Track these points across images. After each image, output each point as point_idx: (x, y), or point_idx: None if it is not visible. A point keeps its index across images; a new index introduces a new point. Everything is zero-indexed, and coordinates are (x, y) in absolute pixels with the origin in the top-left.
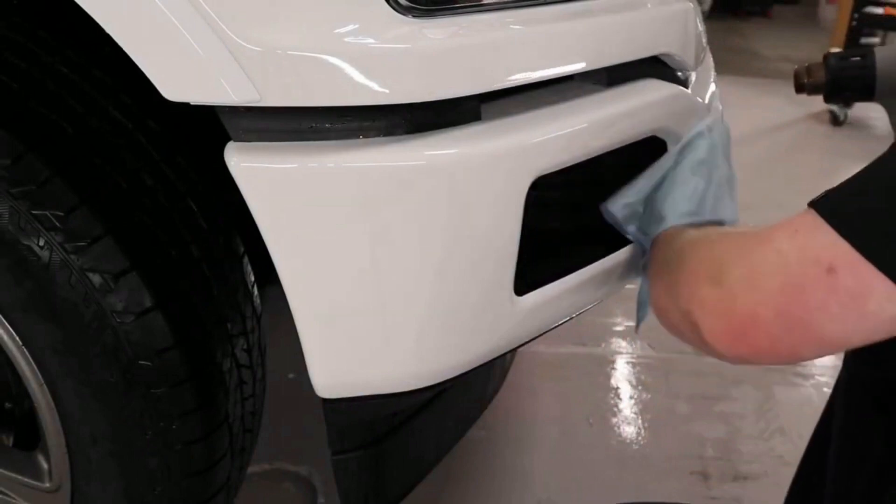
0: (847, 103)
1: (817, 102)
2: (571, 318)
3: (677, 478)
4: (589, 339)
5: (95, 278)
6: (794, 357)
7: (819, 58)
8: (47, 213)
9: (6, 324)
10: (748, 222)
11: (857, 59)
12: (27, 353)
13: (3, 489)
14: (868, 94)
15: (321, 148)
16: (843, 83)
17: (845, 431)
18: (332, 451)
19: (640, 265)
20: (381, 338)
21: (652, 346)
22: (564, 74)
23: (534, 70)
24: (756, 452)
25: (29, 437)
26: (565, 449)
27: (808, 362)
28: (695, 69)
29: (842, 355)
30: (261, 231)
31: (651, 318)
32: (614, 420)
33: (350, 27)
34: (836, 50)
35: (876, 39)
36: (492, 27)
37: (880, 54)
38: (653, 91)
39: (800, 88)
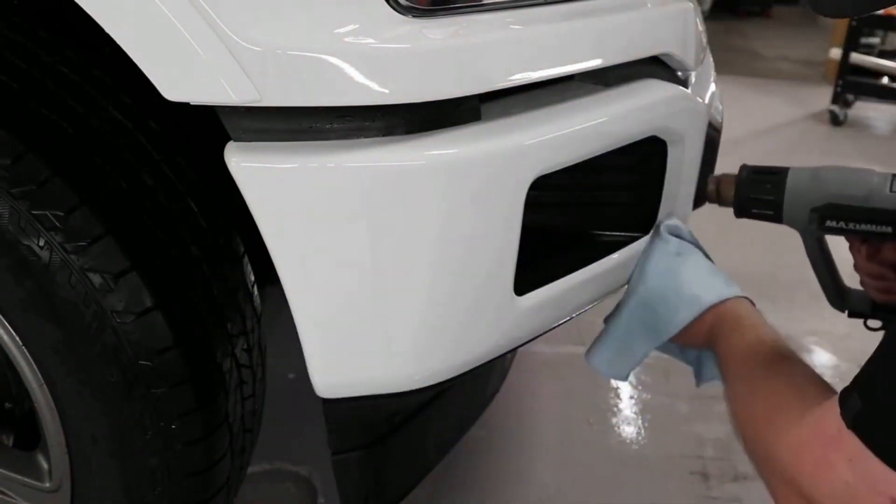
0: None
1: (817, 102)
2: (571, 318)
3: (677, 478)
4: (589, 339)
5: (95, 278)
6: None
7: (820, 58)
8: (47, 213)
9: (6, 324)
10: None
11: (770, 175)
12: (27, 353)
13: (3, 489)
14: (776, 218)
15: (321, 148)
16: (749, 203)
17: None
18: (332, 451)
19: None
20: (381, 338)
21: None
22: (564, 74)
23: (534, 70)
24: None
25: (29, 437)
26: (565, 449)
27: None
28: (695, 69)
29: (842, 357)
30: (261, 231)
31: None
32: (614, 420)
33: (350, 27)
34: (750, 170)
35: (876, 39)
36: (492, 27)
37: (792, 177)
38: (653, 91)
39: (709, 198)
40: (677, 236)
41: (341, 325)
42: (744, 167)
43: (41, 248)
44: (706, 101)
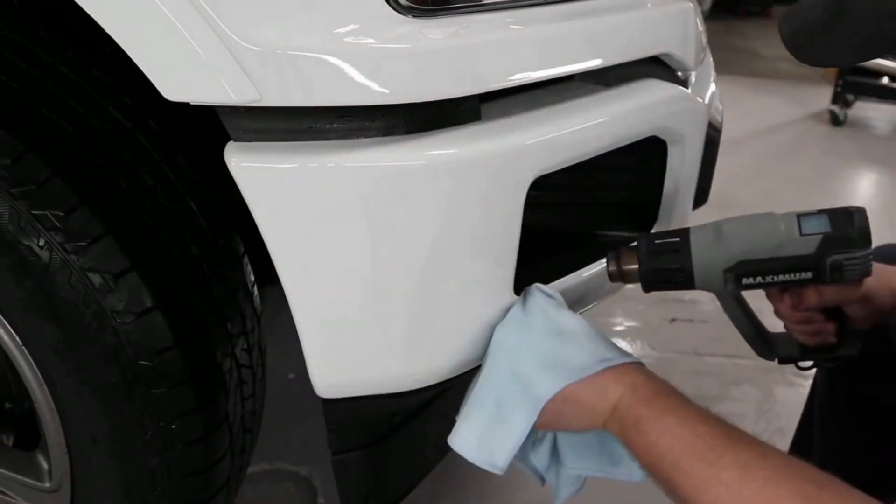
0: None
1: (817, 102)
2: None
3: None
4: None
5: (95, 278)
6: None
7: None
8: (47, 213)
9: (6, 324)
10: None
11: (672, 243)
12: (27, 353)
13: (3, 489)
14: (688, 285)
15: (321, 148)
16: (656, 276)
17: (826, 439)
18: (332, 451)
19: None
20: (381, 338)
21: (652, 346)
22: (564, 74)
23: (534, 70)
24: None
25: (29, 437)
26: None
27: (808, 364)
28: (695, 69)
29: None
30: (261, 231)
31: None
32: None
33: (350, 27)
34: (650, 244)
35: None
36: (492, 27)
37: (695, 240)
38: (653, 91)
39: (611, 277)
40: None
41: (341, 324)
42: (642, 238)
43: (41, 248)
44: (706, 101)
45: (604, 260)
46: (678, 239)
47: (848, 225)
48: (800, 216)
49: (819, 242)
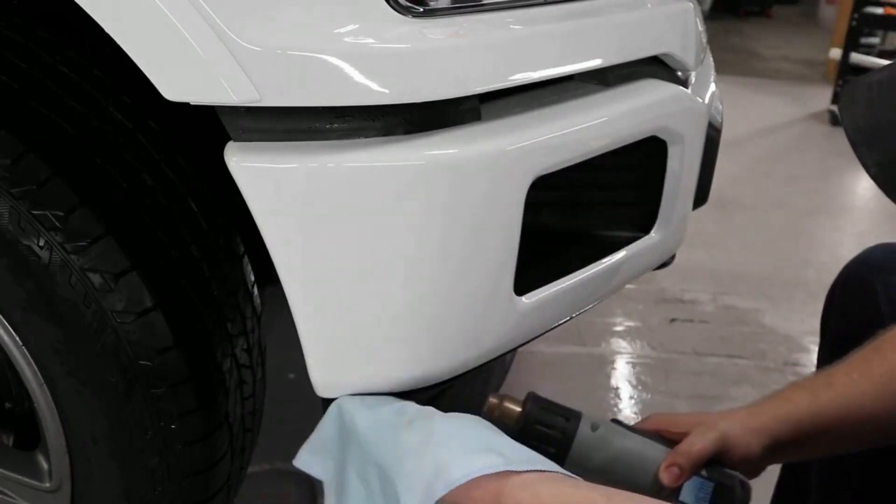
0: None
1: (817, 102)
2: (571, 318)
3: None
4: (589, 339)
5: (95, 278)
6: None
7: (820, 58)
8: (47, 213)
9: (6, 324)
10: (749, 221)
11: (561, 420)
12: (27, 353)
13: (3, 489)
14: (559, 460)
15: (321, 148)
16: (531, 436)
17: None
18: None
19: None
20: (381, 338)
21: (652, 346)
22: (564, 74)
23: (534, 70)
24: None
25: (29, 437)
26: None
27: (807, 364)
28: (695, 69)
29: None
30: (261, 231)
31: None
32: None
33: (350, 27)
34: (539, 395)
35: (876, 39)
36: (492, 27)
37: (583, 432)
38: (653, 91)
39: (485, 415)
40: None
41: (341, 324)
42: (530, 396)
43: (41, 248)
44: (706, 101)
45: (604, 259)
46: (565, 425)
47: None
48: (689, 477)
49: None
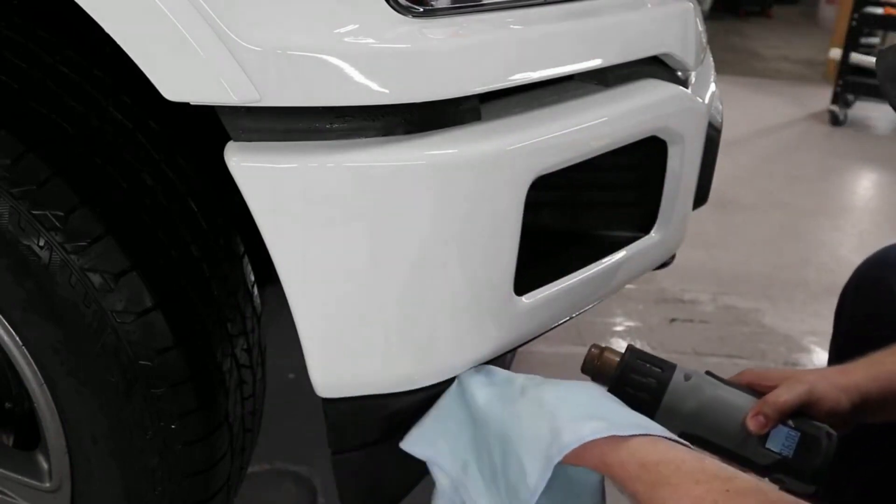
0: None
1: (817, 102)
2: (571, 318)
3: None
4: (589, 339)
5: (95, 278)
6: None
7: (820, 58)
8: (47, 213)
9: (6, 324)
10: (749, 221)
11: (657, 370)
12: (27, 353)
13: (3, 489)
14: (649, 414)
15: (321, 148)
16: (628, 384)
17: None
18: (332, 451)
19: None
20: (381, 337)
21: (652, 346)
22: (564, 74)
23: (534, 70)
24: None
25: (29, 437)
26: None
27: (807, 364)
28: (695, 69)
29: None
30: (261, 231)
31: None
32: None
33: (350, 27)
34: (638, 347)
35: (876, 39)
36: (492, 27)
37: (676, 381)
38: (653, 91)
39: (585, 369)
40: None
41: (341, 324)
42: (629, 349)
43: (41, 248)
44: (706, 101)
45: (604, 259)
46: (660, 374)
47: (811, 458)
48: (776, 425)
49: (773, 462)
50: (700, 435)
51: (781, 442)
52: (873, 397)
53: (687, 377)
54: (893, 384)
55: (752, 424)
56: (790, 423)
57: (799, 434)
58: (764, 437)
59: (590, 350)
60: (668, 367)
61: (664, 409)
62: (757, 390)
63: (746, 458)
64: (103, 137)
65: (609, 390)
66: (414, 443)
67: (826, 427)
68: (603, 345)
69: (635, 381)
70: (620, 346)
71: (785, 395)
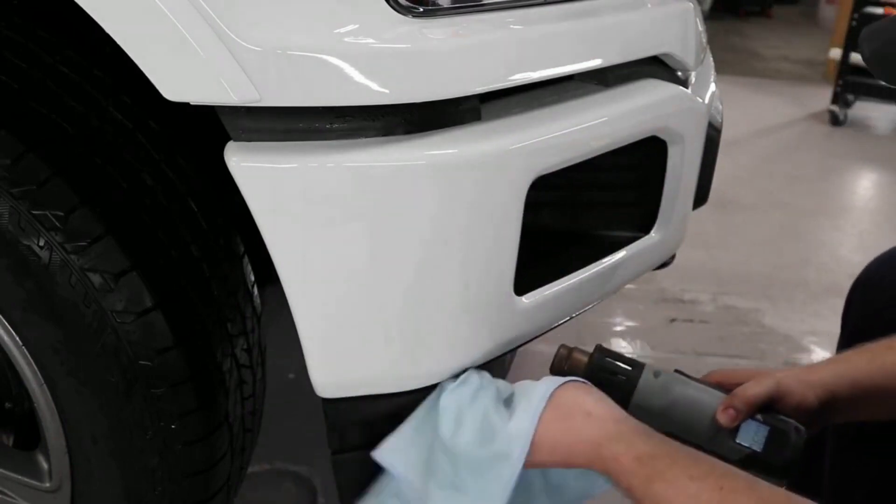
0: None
1: (817, 102)
2: (571, 318)
3: None
4: (589, 339)
5: (95, 278)
6: None
7: (820, 58)
8: (47, 213)
9: (6, 324)
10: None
11: (626, 368)
12: (27, 353)
13: (3, 489)
14: (623, 404)
15: (321, 148)
16: (598, 383)
17: (837, 455)
18: (332, 451)
19: (641, 266)
20: (381, 337)
21: (652, 346)
22: (564, 74)
23: (534, 70)
24: None
25: (29, 437)
26: None
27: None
28: (695, 69)
29: None
30: (261, 231)
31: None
32: None
33: (350, 27)
34: (606, 348)
35: None
36: (492, 27)
37: (645, 380)
38: (653, 91)
39: (554, 370)
40: None
41: (341, 324)
42: (598, 348)
43: (41, 248)
44: (706, 101)
45: (604, 259)
46: (629, 372)
47: (781, 452)
48: (745, 420)
49: (743, 456)
50: (671, 432)
51: (751, 436)
52: (842, 395)
53: (656, 374)
54: (861, 382)
55: (723, 418)
56: (759, 417)
57: (768, 428)
58: (734, 432)
59: (558, 351)
60: (637, 366)
61: (634, 407)
62: (726, 388)
63: (717, 454)
64: (103, 137)
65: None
66: (385, 452)
67: (794, 422)
68: (570, 346)
69: (605, 379)
70: (620, 346)
71: (754, 389)
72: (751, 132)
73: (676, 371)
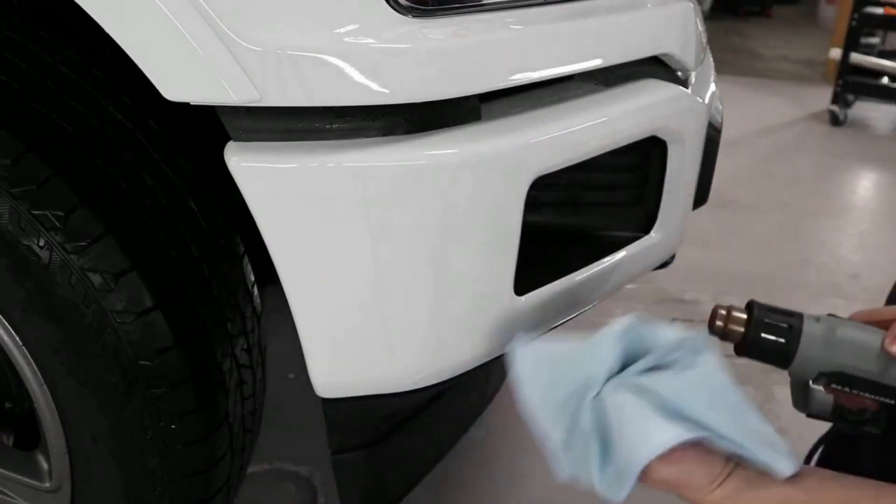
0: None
1: (817, 102)
2: (571, 318)
3: None
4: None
5: (95, 278)
6: None
7: (820, 58)
8: (47, 213)
9: (6, 324)
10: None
11: (784, 324)
12: (27, 353)
13: (3, 489)
14: (783, 364)
15: (321, 148)
16: (759, 345)
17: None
18: (332, 451)
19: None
20: (381, 337)
21: None
22: (564, 74)
23: (534, 70)
24: None
25: (29, 437)
26: None
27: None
28: (695, 69)
29: None
30: (261, 231)
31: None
32: None
33: (350, 27)
34: (761, 303)
35: (876, 39)
36: (492, 27)
37: (807, 331)
38: (653, 91)
39: (712, 330)
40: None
41: (341, 324)
42: (753, 303)
43: (41, 248)
44: (706, 101)
45: (604, 259)
46: (791, 322)
47: None
48: None
49: None
50: (840, 371)
51: None
52: None
53: (817, 319)
54: None
55: (894, 347)
56: None
57: None
58: None
59: (715, 310)
60: (796, 315)
61: (800, 356)
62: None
63: (890, 387)
64: (103, 137)
65: (741, 351)
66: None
67: None
68: (725, 308)
69: (770, 334)
70: None
71: None
72: (751, 132)
73: (829, 315)
